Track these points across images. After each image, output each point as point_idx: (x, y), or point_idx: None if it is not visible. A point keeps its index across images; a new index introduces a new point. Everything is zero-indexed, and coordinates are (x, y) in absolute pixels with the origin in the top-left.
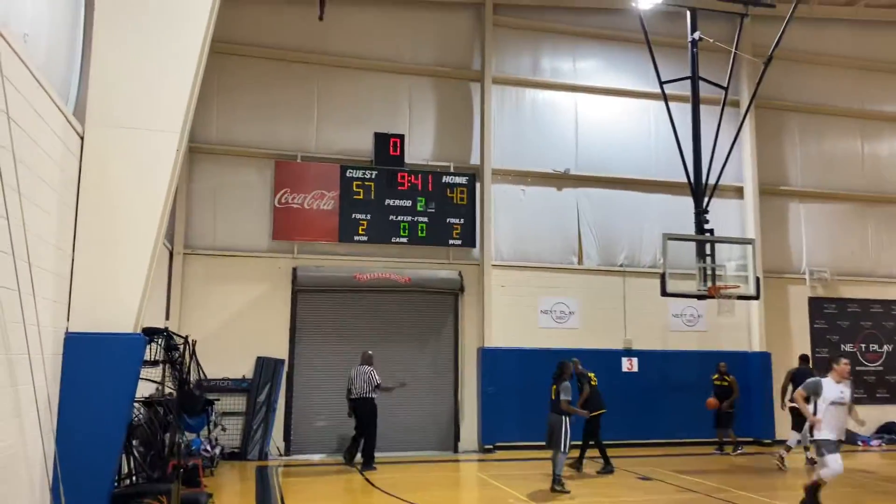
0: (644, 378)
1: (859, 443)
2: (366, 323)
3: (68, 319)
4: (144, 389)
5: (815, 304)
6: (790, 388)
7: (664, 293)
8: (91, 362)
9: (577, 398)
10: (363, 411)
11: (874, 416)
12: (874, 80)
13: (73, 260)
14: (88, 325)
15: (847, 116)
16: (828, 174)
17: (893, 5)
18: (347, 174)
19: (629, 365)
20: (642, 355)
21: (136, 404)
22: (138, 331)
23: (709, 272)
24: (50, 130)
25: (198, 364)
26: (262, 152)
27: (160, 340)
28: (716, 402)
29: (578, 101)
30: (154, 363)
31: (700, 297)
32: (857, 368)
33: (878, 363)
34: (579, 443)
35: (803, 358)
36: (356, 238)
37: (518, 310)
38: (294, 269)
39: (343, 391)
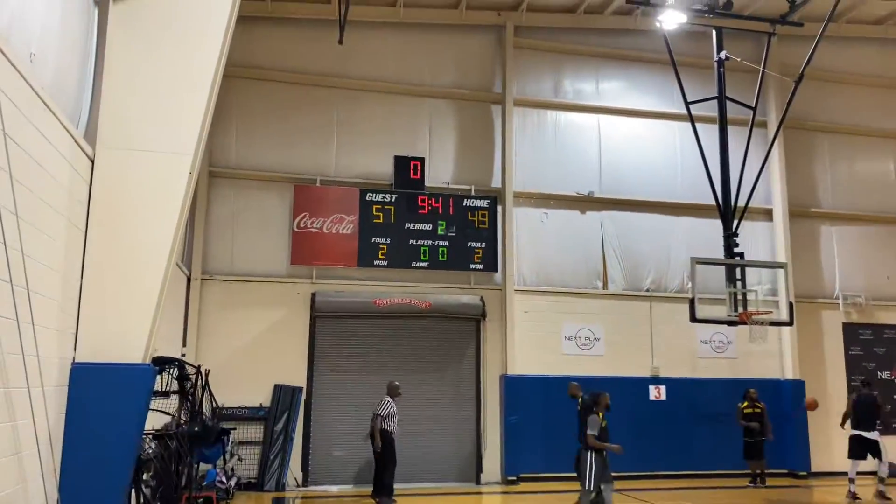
0: (672, 407)
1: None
2: (386, 349)
3: (75, 349)
4: (156, 421)
5: (850, 330)
6: (852, 414)
7: (693, 319)
8: (98, 394)
9: (598, 428)
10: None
11: None
12: None
13: (81, 287)
14: (96, 355)
15: (878, 137)
16: (860, 196)
17: None
18: (367, 198)
19: (657, 393)
20: (670, 383)
21: (145, 437)
22: (148, 360)
23: (739, 297)
24: (56, 152)
25: (210, 394)
26: (281, 176)
27: (172, 370)
28: (814, 400)
29: (602, 122)
30: (165, 394)
31: (731, 324)
32: (895, 397)
33: None
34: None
35: (865, 383)
36: (376, 262)
37: (541, 336)
38: (313, 295)
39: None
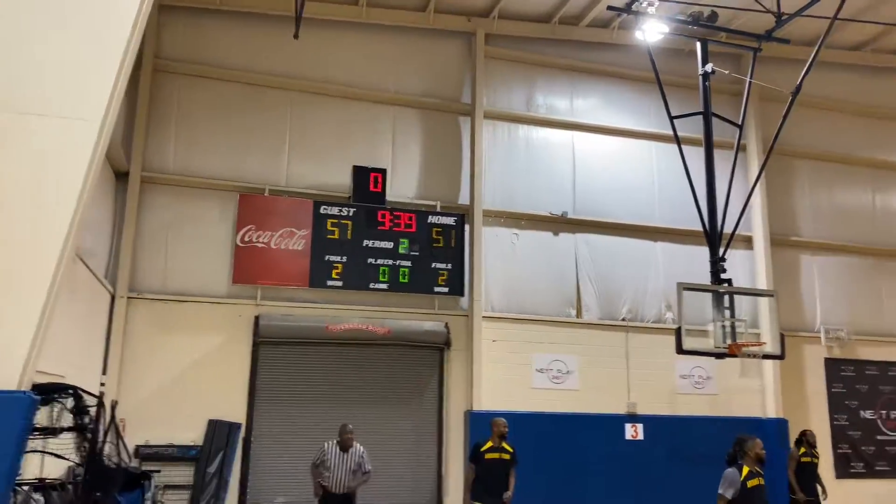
0: (651, 447)
1: None
2: (338, 381)
3: None
4: (49, 467)
5: (832, 366)
6: None
7: (680, 350)
8: None
9: (736, 489)
10: None
11: None
12: (885, 128)
13: None
14: None
15: (859, 166)
16: (840, 226)
17: None
18: (321, 211)
19: (634, 432)
20: (648, 421)
21: (22, 487)
22: (26, 388)
23: (727, 328)
24: None
25: (117, 431)
26: (224, 184)
27: (66, 400)
28: None
29: (576, 140)
30: (53, 431)
31: (719, 356)
32: (878, 437)
33: None
34: None
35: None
36: (329, 283)
37: (510, 368)
38: (256, 318)
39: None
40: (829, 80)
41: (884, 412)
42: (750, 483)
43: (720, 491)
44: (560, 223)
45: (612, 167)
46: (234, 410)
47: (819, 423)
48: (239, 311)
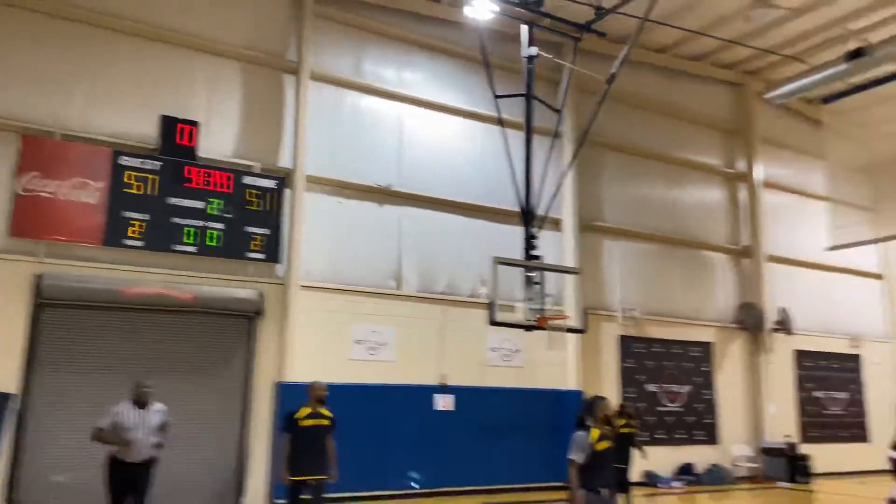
0: (461, 417)
1: (659, 485)
2: (132, 349)
3: None
4: None
5: (625, 343)
6: None
7: (493, 322)
8: None
9: (587, 453)
10: None
11: (673, 457)
12: (681, 128)
13: None
14: None
15: (657, 160)
16: (638, 214)
17: (697, 58)
18: (120, 161)
19: (444, 403)
20: (459, 392)
21: None
22: None
23: (535, 302)
24: None
25: None
26: (3, 123)
27: None
28: None
29: (403, 113)
30: None
31: (528, 328)
32: (659, 409)
33: (677, 404)
34: None
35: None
36: (127, 242)
37: (328, 339)
38: (39, 277)
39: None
40: (639, 78)
41: (665, 385)
42: (599, 446)
43: (571, 456)
44: (385, 195)
45: (438, 143)
46: (6, 379)
47: (610, 396)
48: (17, 268)
